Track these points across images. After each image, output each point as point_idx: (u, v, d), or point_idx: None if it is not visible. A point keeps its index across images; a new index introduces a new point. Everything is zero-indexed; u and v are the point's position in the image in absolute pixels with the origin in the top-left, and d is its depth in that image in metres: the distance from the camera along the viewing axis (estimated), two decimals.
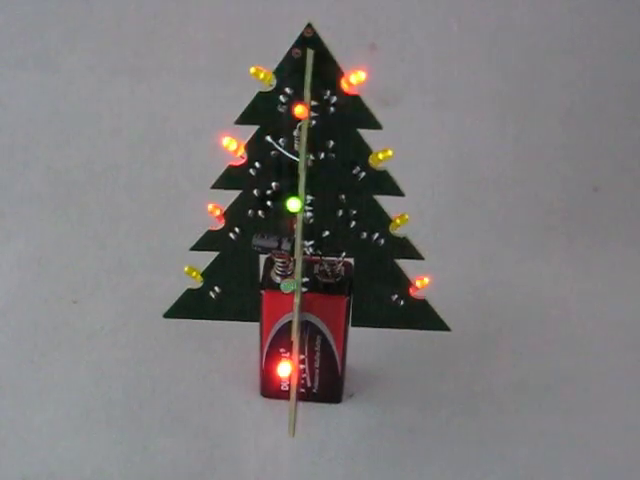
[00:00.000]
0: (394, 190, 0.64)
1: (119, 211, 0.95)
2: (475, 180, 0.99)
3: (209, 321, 0.71)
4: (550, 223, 0.96)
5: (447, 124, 1.02)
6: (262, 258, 0.69)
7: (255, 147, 0.63)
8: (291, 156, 0.62)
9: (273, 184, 0.64)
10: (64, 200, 0.96)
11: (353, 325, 0.71)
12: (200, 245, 0.67)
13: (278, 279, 0.67)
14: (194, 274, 0.68)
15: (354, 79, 0.60)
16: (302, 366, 0.71)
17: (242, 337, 0.77)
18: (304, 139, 0.60)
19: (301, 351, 0.69)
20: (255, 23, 1.02)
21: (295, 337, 0.64)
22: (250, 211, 0.65)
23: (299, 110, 0.59)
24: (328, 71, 0.60)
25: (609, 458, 0.70)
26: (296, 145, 0.62)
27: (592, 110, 1.02)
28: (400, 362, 0.78)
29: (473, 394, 0.75)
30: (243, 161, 0.63)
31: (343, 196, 0.64)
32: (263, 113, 0.61)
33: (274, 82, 0.60)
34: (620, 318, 0.84)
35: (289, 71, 0.60)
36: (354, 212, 0.65)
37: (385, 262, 0.67)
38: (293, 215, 0.62)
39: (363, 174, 0.63)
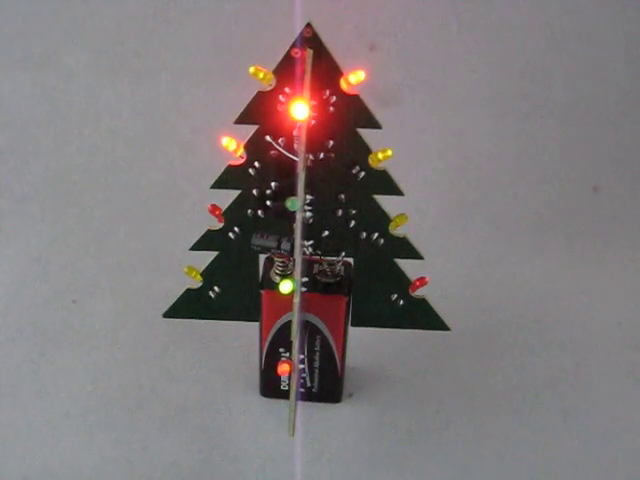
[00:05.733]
0: (394, 190, 0.64)
1: (119, 211, 0.95)
2: (475, 180, 0.99)
3: (209, 321, 0.71)
4: (550, 223, 0.96)
5: (447, 124, 1.02)
6: (262, 258, 0.69)
7: (254, 147, 0.63)
8: (290, 156, 0.62)
9: (272, 184, 0.64)
10: (64, 200, 0.96)
11: (353, 325, 0.71)
12: (199, 245, 0.67)
13: (277, 279, 0.67)
14: (193, 274, 0.69)
15: (354, 79, 0.60)
16: (302, 366, 0.71)
17: (242, 337, 0.77)
18: (303, 139, 0.60)
19: (301, 351, 0.69)
20: (255, 23, 1.02)
21: (295, 337, 0.64)
22: (249, 211, 0.65)
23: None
24: (328, 71, 0.60)
25: (609, 458, 0.70)
26: (295, 145, 0.62)
27: (592, 110, 1.02)
28: (400, 362, 0.78)
29: (473, 394, 0.75)
30: (242, 161, 0.64)
31: (343, 196, 0.64)
32: (263, 113, 0.61)
33: (274, 82, 0.60)
34: (620, 318, 0.84)
35: (289, 71, 0.60)
36: (353, 212, 0.65)
37: (385, 262, 0.67)
38: (292, 215, 0.62)
39: (363, 174, 0.63)
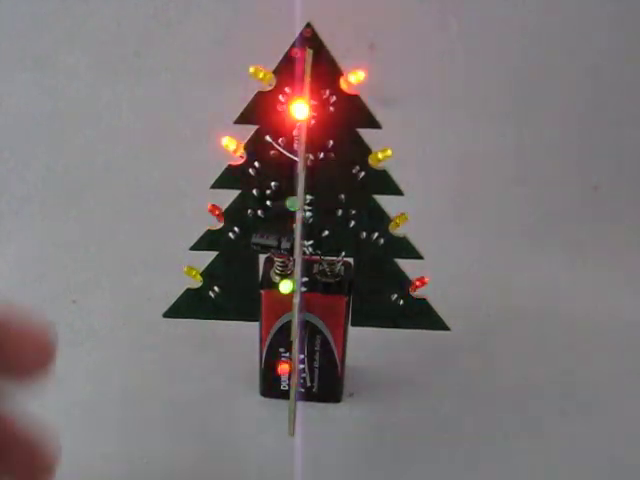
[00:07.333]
0: (393, 190, 0.64)
1: (119, 211, 0.95)
2: (475, 180, 0.99)
3: (209, 321, 0.71)
4: (550, 223, 0.96)
5: (447, 124, 1.02)
6: (262, 258, 0.69)
7: (254, 147, 0.63)
8: (290, 155, 0.62)
9: (272, 184, 0.64)
10: (64, 200, 0.96)
11: (353, 325, 0.70)
12: (199, 245, 0.67)
13: (277, 279, 0.67)
14: (193, 274, 0.69)
15: (353, 79, 0.60)
16: (302, 366, 0.71)
17: (242, 337, 0.77)
18: (303, 139, 0.60)
19: (301, 351, 0.69)
20: (255, 23, 1.02)
21: (295, 337, 0.64)
22: (249, 211, 0.65)
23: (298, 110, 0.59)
24: (327, 71, 0.60)
25: (609, 458, 0.70)
26: (295, 145, 0.62)
27: (592, 110, 1.02)
28: (400, 362, 0.78)
29: (473, 394, 0.75)
30: (242, 161, 0.64)
31: (342, 195, 0.64)
32: (262, 113, 0.61)
33: (273, 82, 0.60)
34: (620, 318, 0.84)
35: (288, 71, 0.60)
36: (353, 212, 0.65)
37: (385, 262, 0.67)
38: (292, 214, 0.62)
39: (362, 174, 0.63)
